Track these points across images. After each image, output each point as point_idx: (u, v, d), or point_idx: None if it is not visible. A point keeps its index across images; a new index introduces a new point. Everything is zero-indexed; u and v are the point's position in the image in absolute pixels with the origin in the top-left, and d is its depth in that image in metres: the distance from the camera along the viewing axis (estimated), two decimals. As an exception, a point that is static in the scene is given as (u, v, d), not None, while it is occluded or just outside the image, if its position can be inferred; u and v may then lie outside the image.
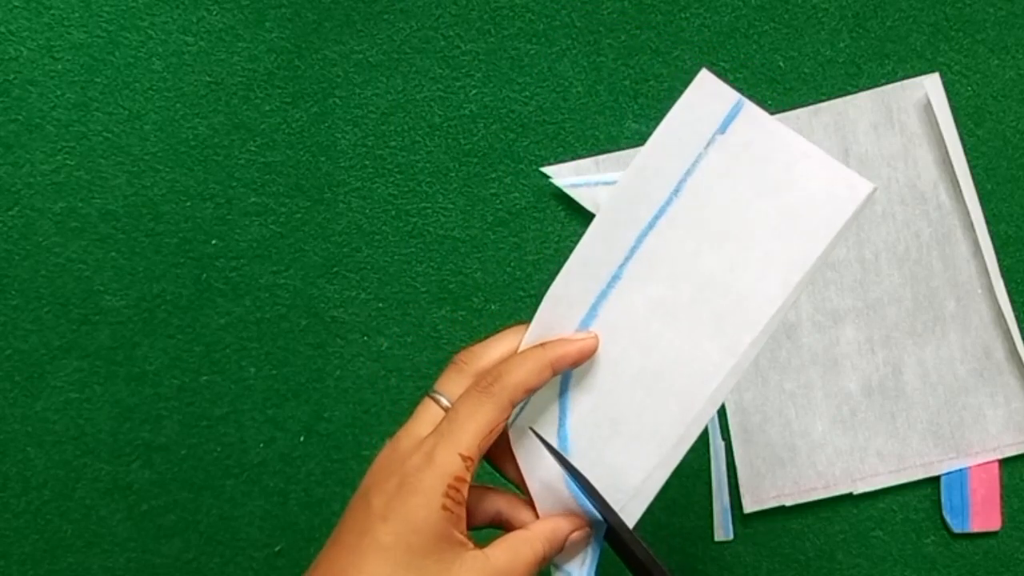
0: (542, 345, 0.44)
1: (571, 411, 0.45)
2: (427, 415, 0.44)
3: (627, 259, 0.44)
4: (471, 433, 0.42)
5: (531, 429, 0.45)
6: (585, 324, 0.45)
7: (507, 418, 0.43)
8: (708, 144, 0.43)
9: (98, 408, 0.62)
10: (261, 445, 0.63)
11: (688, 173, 0.44)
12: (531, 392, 0.43)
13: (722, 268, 0.43)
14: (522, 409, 0.46)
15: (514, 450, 0.46)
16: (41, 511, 0.62)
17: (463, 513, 0.42)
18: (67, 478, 0.62)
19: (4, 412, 0.62)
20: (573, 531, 0.45)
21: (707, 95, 0.43)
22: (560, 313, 0.45)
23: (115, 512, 0.62)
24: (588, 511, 0.45)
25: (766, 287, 0.42)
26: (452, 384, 0.44)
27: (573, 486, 0.45)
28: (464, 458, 0.41)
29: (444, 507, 0.41)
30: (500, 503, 0.46)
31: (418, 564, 0.40)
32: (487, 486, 0.46)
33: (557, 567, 0.46)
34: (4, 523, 0.62)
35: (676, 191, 0.44)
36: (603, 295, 0.45)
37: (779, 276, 0.42)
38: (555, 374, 0.44)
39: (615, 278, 0.44)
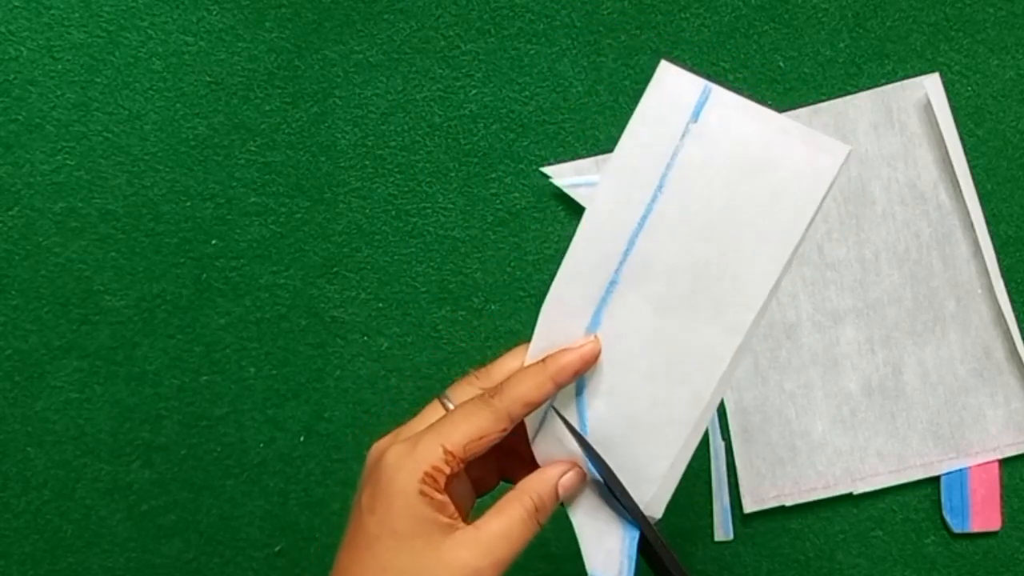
0: (543, 360, 0.44)
1: (589, 418, 0.45)
2: (431, 415, 0.45)
3: (622, 263, 0.44)
4: (461, 432, 0.43)
5: (554, 408, 0.45)
6: (590, 332, 0.45)
7: (503, 430, 0.43)
8: (683, 135, 0.43)
9: (98, 408, 0.62)
10: (261, 445, 0.63)
11: (668, 167, 0.43)
12: (532, 407, 0.44)
13: (714, 254, 0.43)
14: (541, 424, 0.46)
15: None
16: (41, 511, 0.62)
17: (446, 499, 0.42)
18: (67, 478, 0.62)
19: (4, 412, 0.62)
20: (563, 474, 0.45)
21: (672, 86, 0.43)
22: (562, 323, 0.45)
23: (115, 512, 0.62)
24: (619, 512, 0.46)
25: (759, 265, 0.42)
26: (461, 393, 0.45)
27: (604, 490, 0.45)
28: (447, 452, 0.42)
29: (422, 492, 0.42)
30: (503, 460, 0.48)
31: (407, 548, 0.41)
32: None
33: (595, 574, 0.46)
34: (4, 523, 0.62)
35: (659, 187, 0.43)
36: (603, 301, 0.44)
37: (770, 252, 0.42)
38: (559, 387, 0.44)
39: (612, 283, 0.44)
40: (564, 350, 0.44)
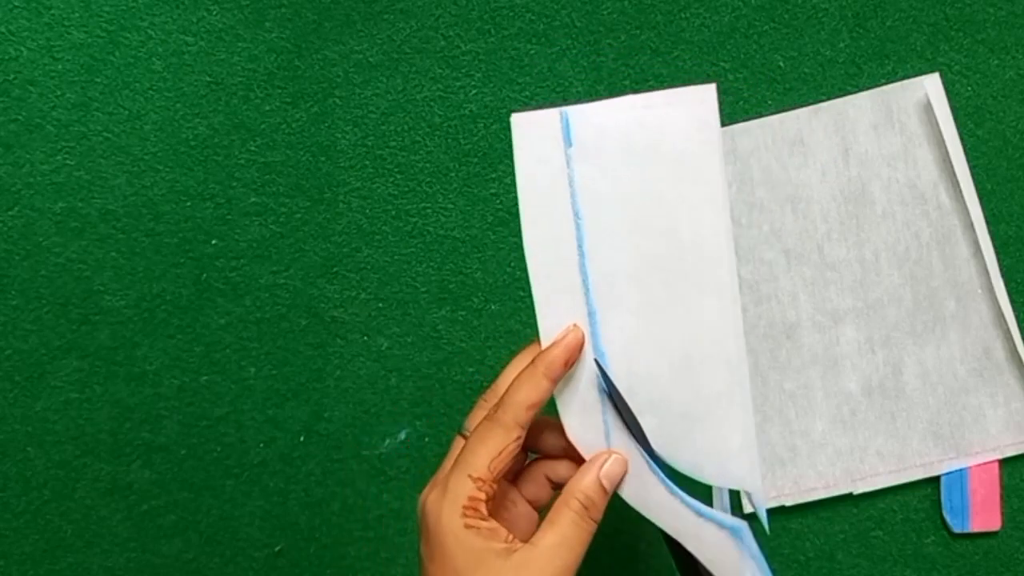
0: (532, 362, 0.45)
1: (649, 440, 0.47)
2: (457, 451, 0.46)
3: (587, 293, 0.45)
4: (481, 457, 0.44)
5: (596, 362, 0.46)
6: (597, 363, 0.46)
7: (517, 438, 0.44)
8: (568, 162, 0.45)
9: (98, 408, 0.62)
10: (261, 445, 0.63)
11: (573, 195, 0.45)
12: (537, 407, 0.45)
13: (661, 241, 0.45)
14: (609, 437, 0.47)
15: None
16: (41, 511, 0.62)
17: (494, 524, 0.43)
18: (67, 478, 0.62)
19: (4, 412, 0.62)
20: (602, 465, 0.45)
21: (533, 128, 0.45)
22: (571, 371, 0.46)
23: (115, 512, 0.62)
24: (695, 507, 0.46)
25: (706, 225, 0.44)
26: (476, 420, 0.47)
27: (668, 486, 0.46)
28: (475, 479, 0.43)
29: (467, 526, 0.43)
30: (547, 469, 0.49)
31: None
32: (536, 460, 0.49)
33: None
34: (4, 523, 0.62)
35: (577, 215, 0.45)
36: (594, 335, 0.46)
37: (709, 212, 0.44)
38: (554, 382, 0.45)
39: (591, 314, 0.46)
40: (549, 347, 0.45)
